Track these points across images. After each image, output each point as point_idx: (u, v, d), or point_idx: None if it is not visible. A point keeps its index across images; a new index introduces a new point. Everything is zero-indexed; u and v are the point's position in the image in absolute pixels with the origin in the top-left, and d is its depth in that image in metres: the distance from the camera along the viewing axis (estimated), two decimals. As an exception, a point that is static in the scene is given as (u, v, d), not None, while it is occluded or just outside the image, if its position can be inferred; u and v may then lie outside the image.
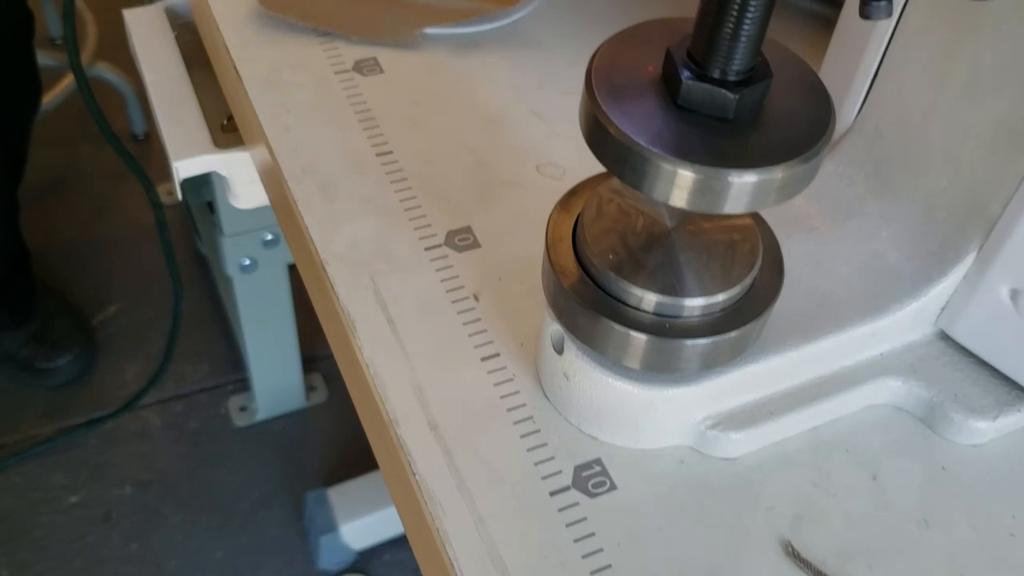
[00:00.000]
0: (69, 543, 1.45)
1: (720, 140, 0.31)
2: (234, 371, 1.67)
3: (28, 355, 1.54)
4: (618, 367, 0.38)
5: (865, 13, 0.29)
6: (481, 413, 0.40)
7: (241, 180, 0.59)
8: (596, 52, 0.33)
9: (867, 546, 0.38)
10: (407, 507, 0.40)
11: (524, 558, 0.36)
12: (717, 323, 0.36)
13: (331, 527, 1.36)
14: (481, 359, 0.42)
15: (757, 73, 0.31)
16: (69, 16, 0.94)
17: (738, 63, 0.30)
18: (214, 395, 1.64)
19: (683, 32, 0.32)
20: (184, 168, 0.56)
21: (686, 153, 0.30)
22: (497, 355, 0.42)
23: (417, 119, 0.52)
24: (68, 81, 1.80)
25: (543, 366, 0.41)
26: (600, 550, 0.37)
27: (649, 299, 0.35)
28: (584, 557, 0.37)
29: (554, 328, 0.39)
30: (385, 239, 0.46)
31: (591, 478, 0.39)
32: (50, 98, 1.76)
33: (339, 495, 1.38)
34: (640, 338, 0.35)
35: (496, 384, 0.41)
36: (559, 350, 0.39)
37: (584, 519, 0.38)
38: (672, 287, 0.35)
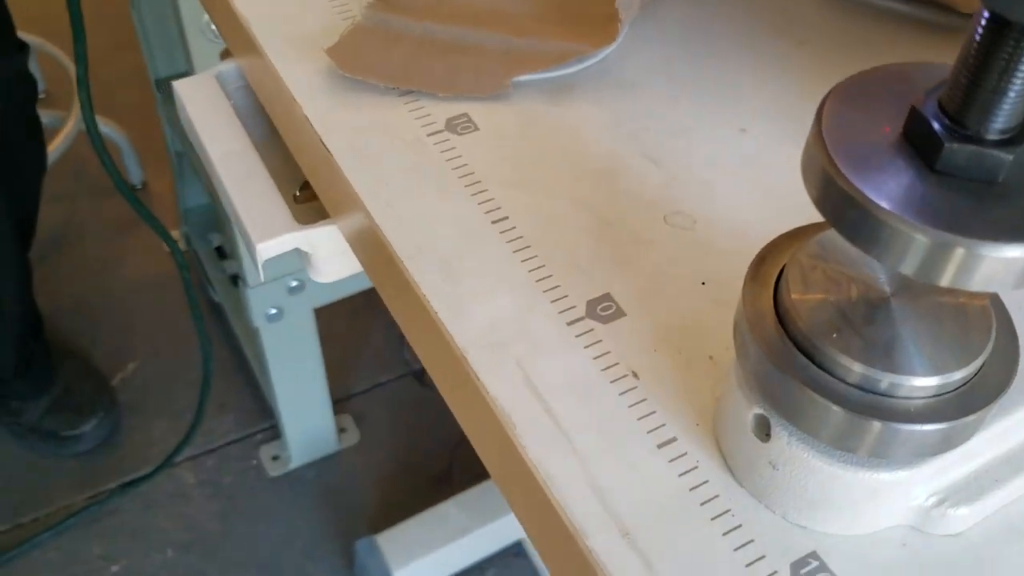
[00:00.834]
0: (118, 618, 1.41)
1: (988, 209, 0.27)
2: (261, 420, 1.62)
3: (52, 424, 1.49)
4: (838, 453, 0.34)
5: None
6: (672, 510, 0.36)
7: (325, 255, 0.54)
8: (821, 114, 0.29)
9: (1126, 622, 0.34)
10: (606, 626, 0.36)
11: None
12: (956, 403, 0.32)
13: (385, 575, 1.32)
14: (657, 446, 0.38)
15: (1022, 128, 0.27)
16: (83, 80, 0.90)
17: (1007, 119, 0.26)
18: (244, 446, 1.60)
19: (913, 82, 0.29)
20: (267, 249, 0.52)
21: (954, 226, 0.26)
22: (674, 439, 0.38)
23: (524, 177, 0.48)
24: (63, 136, 1.75)
25: (738, 453, 0.37)
26: (844, 662, 0.33)
27: (879, 380, 0.31)
28: (826, 671, 0.33)
29: (756, 414, 0.35)
30: (522, 317, 0.42)
31: (812, 574, 0.35)
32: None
33: (389, 541, 1.34)
34: (871, 424, 0.31)
35: (681, 475, 0.37)
36: (763, 438, 0.35)
37: (818, 626, 0.34)
38: (904, 364, 0.31)
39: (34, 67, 1.87)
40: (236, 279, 1.47)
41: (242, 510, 1.50)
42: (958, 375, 0.31)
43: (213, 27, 1.11)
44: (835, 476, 0.34)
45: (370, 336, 1.71)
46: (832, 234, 0.34)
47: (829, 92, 0.29)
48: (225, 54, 0.66)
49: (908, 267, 0.27)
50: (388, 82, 0.51)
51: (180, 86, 0.58)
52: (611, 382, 0.40)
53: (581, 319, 0.42)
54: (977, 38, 0.26)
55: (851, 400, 0.32)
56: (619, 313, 0.43)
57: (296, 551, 1.46)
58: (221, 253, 1.64)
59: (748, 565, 0.35)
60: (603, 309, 0.43)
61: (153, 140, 1.73)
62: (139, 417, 1.59)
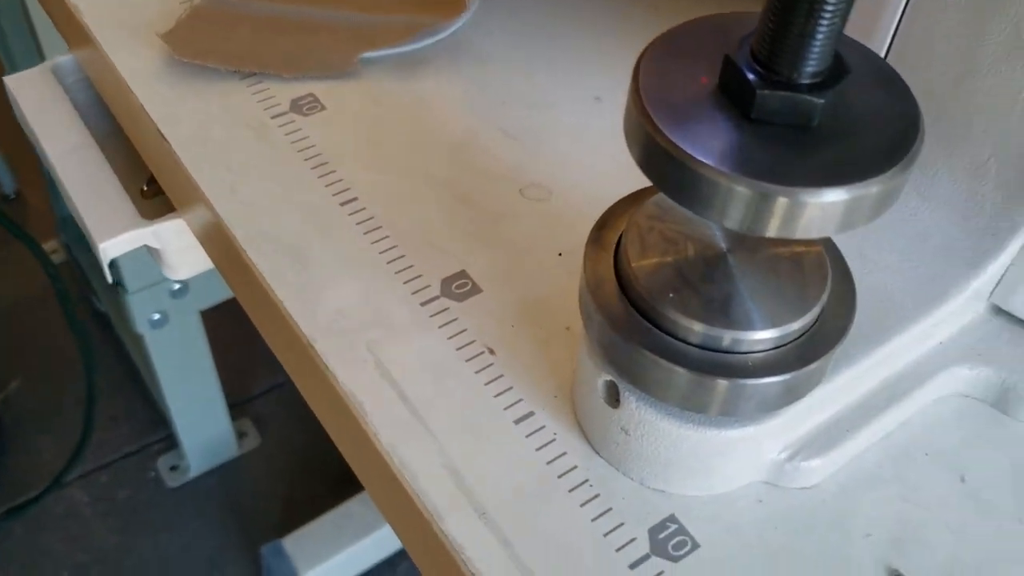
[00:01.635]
0: (12, 648, 1.35)
1: (804, 154, 0.26)
2: (157, 430, 1.57)
3: (-71, 452, 1.42)
4: (686, 414, 0.33)
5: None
6: (530, 486, 0.36)
7: (176, 250, 0.52)
8: (637, 69, 0.28)
9: (979, 559, 0.35)
10: (468, 610, 0.35)
11: (624, 650, 0.32)
12: (796, 354, 0.32)
13: (294, 578, 1.29)
14: (514, 422, 0.37)
15: (835, 70, 0.27)
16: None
17: (816, 62, 0.26)
18: (140, 459, 1.55)
19: (729, 33, 0.28)
20: (112, 248, 0.50)
21: (775, 174, 0.26)
22: (531, 414, 0.37)
23: (375, 157, 0.47)
24: (-79, 150, 1.66)
25: (591, 421, 0.36)
26: (704, 624, 0.32)
27: (717, 336, 0.31)
28: (687, 635, 0.32)
29: (605, 380, 0.34)
30: (374, 301, 0.41)
31: (669, 539, 0.34)
32: (-96, 171, 1.63)
33: (296, 544, 1.31)
34: (716, 383, 0.31)
35: (538, 449, 0.37)
36: (612, 404, 0.34)
37: (676, 589, 0.33)
38: (743, 320, 0.31)
39: None
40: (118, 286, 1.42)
41: (141, 525, 1.45)
42: (796, 326, 0.31)
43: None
44: (685, 437, 0.33)
45: (265, 337, 1.67)
46: None
47: (646, 47, 0.29)
48: (65, 48, 0.63)
49: (730, 220, 0.26)
50: (228, 65, 0.49)
51: (11, 82, 0.55)
52: (467, 360, 0.39)
53: (436, 298, 0.41)
54: (782, -18, 0.26)
55: (692, 360, 0.31)
56: (475, 290, 0.42)
57: (201, 561, 1.42)
58: (103, 261, 1.58)
59: (607, 534, 0.34)
60: (458, 287, 0.42)
61: (23, 146, 1.66)
62: (24, 438, 1.53)
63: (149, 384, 1.51)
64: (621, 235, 0.33)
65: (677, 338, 0.32)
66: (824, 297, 0.32)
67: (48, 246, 1.61)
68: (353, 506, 1.34)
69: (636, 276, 0.32)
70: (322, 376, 0.39)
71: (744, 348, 0.31)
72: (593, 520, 0.35)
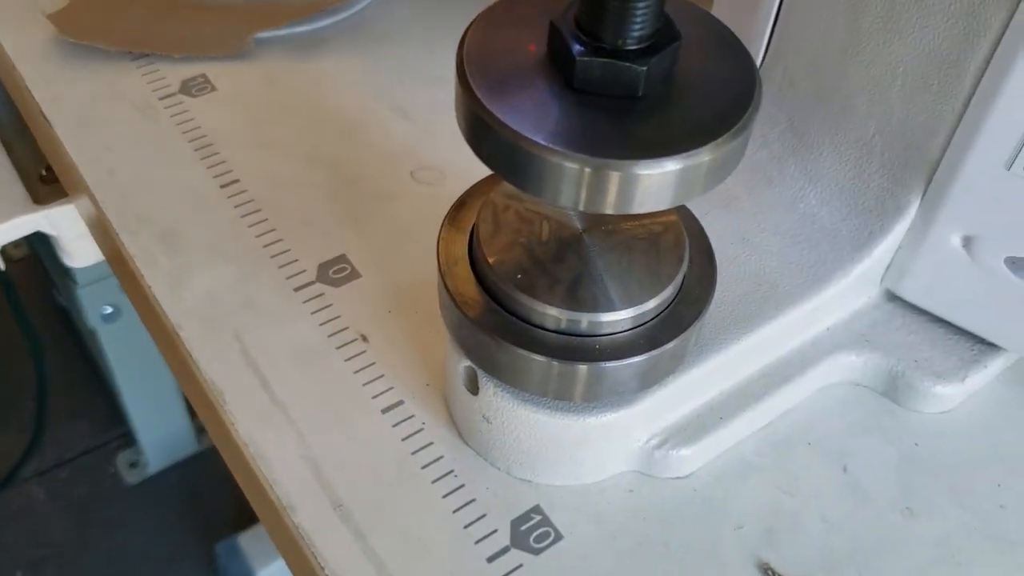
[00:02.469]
0: (-38, 646, 1.34)
1: (632, 124, 0.25)
2: (117, 426, 1.55)
3: None
4: (545, 400, 0.32)
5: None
6: (392, 476, 0.34)
7: (73, 236, 0.51)
8: (465, 36, 0.26)
9: (852, 549, 0.33)
10: (322, 605, 0.33)
11: (472, 647, 0.30)
12: (652, 334, 0.30)
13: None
14: (382, 411, 0.36)
15: (663, 36, 0.25)
16: None
17: (641, 27, 0.25)
18: (99, 455, 1.53)
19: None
20: (2, 234, 0.48)
21: (595, 147, 0.24)
22: (400, 403, 0.36)
23: (262, 138, 0.45)
24: None
25: (458, 409, 0.35)
26: (559, 619, 0.31)
27: (570, 319, 0.30)
28: (541, 630, 0.31)
29: (464, 366, 0.33)
30: (246, 286, 0.39)
31: (532, 531, 0.33)
32: None
33: (251, 541, 1.30)
34: (567, 367, 0.30)
35: (404, 439, 0.35)
36: (473, 390, 0.33)
37: (534, 584, 0.32)
38: (595, 301, 0.30)
39: None
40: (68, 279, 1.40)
41: (98, 522, 1.43)
42: (649, 306, 0.30)
43: None
44: (544, 424, 0.32)
45: (229, 331, 1.65)
46: None
47: (475, 18, 0.27)
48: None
49: (553, 197, 0.25)
50: (117, 46, 0.47)
51: (-95, 64, 0.53)
52: (337, 348, 0.38)
53: (310, 284, 0.40)
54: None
55: (544, 345, 0.30)
56: (354, 275, 0.40)
57: (159, 559, 1.40)
58: (63, 255, 1.56)
59: (467, 526, 0.33)
60: (336, 272, 0.40)
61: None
62: (-18, 433, 1.51)
63: (107, 379, 1.49)
64: (477, 215, 0.32)
65: (529, 322, 0.30)
66: (679, 277, 0.31)
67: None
68: (311, 502, 1.33)
69: (487, 257, 0.30)
70: (185, 362, 0.37)
71: (597, 330, 0.30)
72: (455, 511, 0.33)
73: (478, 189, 0.33)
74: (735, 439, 0.35)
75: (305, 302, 0.39)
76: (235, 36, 0.48)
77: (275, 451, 0.34)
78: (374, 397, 0.36)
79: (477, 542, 0.33)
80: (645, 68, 0.25)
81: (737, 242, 0.37)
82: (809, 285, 0.36)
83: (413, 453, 0.35)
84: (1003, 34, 0.31)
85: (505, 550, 0.33)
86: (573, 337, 0.30)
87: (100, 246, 0.45)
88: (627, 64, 0.25)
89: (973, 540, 0.34)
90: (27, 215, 0.49)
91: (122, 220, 0.41)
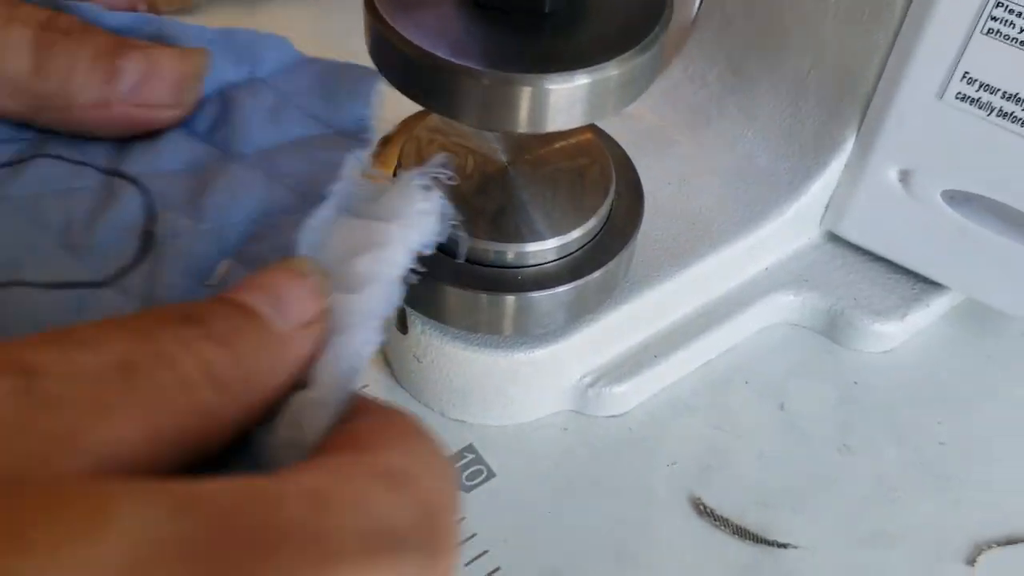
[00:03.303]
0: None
1: (539, 40, 0.25)
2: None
3: None
4: (473, 336, 0.32)
5: None
6: (326, 417, 0.34)
7: None
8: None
9: (787, 486, 0.33)
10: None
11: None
12: (577, 264, 0.30)
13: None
14: (318, 353, 0.36)
15: (569, -49, 0.25)
16: None
17: (544, -59, 0.24)
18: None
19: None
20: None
21: (499, 60, 0.24)
22: (336, 345, 0.36)
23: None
24: None
25: (391, 350, 0.35)
26: (485, 552, 0.31)
27: (493, 251, 0.29)
28: (468, 564, 0.31)
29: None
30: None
31: (464, 469, 0.33)
32: None
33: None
34: (492, 299, 0.29)
35: (339, 380, 0.35)
36: (402, 330, 0.33)
37: (462, 519, 0.32)
38: (519, 232, 0.29)
39: None
40: None
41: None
42: (575, 235, 0.30)
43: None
44: (473, 361, 0.32)
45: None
46: None
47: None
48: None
49: (460, 113, 0.25)
50: (61, -1, 0.47)
51: None
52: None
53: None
54: None
55: (470, 277, 0.30)
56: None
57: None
58: None
59: (399, 465, 0.33)
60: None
61: None
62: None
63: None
64: (400, 150, 0.32)
65: (454, 256, 0.30)
66: (605, 209, 0.30)
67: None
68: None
69: None
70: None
71: (523, 262, 0.30)
72: (387, 451, 0.33)
73: (405, 126, 0.33)
74: (671, 378, 0.35)
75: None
76: (183, -11, 0.48)
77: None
78: (311, 340, 0.36)
79: (408, 480, 0.33)
80: (544, -18, 0.24)
81: (675, 183, 0.37)
82: (745, 224, 0.35)
83: (347, 394, 0.35)
84: (935, -37, 0.30)
85: (436, 488, 0.32)
86: (499, 269, 0.30)
87: None
88: (532, -21, 0.24)
89: (910, 476, 0.34)
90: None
91: None
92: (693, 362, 0.36)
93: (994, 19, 0.29)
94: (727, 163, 0.37)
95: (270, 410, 0.18)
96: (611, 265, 0.30)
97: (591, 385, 0.34)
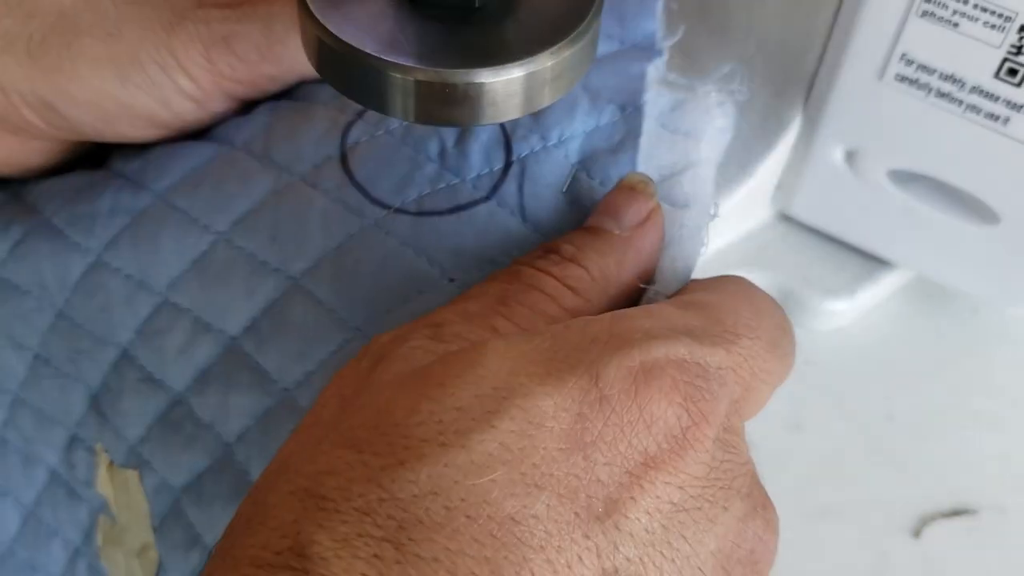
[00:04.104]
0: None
1: (470, 36, 0.25)
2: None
3: None
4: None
5: None
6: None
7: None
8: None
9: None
10: None
11: None
12: None
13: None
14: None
15: (501, -57, 0.25)
16: None
17: (475, -67, 0.24)
18: None
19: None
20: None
21: (430, 57, 0.24)
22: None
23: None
24: None
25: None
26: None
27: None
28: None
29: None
30: None
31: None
32: None
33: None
34: None
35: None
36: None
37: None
38: None
39: None
40: None
41: None
42: None
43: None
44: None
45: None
46: None
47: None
48: None
49: (388, 108, 0.25)
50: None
51: None
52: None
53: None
54: None
55: None
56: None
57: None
58: None
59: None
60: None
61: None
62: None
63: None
64: None
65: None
66: None
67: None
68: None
69: None
70: None
71: None
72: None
73: None
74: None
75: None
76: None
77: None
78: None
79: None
80: (480, -24, 0.24)
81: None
82: (695, 205, 0.36)
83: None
84: (871, -59, 0.31)
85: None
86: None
87: None
88: (461, -28, 0.24)
89: (858, 451, 0.35)
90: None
91: None
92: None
93: (928, 1, 0.29)
94: (677, 145, 0.37)
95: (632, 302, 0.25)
96: None
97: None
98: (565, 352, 0.20)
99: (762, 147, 0.36)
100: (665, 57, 0.30)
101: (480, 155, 0.28)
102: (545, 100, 0.25)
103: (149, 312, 0.29)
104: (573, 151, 0.28)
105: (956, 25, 0.29)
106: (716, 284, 0.25)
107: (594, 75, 0.29)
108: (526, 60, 0.24)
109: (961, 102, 0.31)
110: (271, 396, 0.28)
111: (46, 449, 0.32)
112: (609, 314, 0.22)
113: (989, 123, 0.31)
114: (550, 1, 0.26)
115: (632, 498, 0.19)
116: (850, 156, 0.35)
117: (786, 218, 0.38)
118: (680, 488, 0.20)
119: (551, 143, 0.28)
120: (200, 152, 0.30)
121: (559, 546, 0.18)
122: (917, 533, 0.33)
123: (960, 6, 0.29)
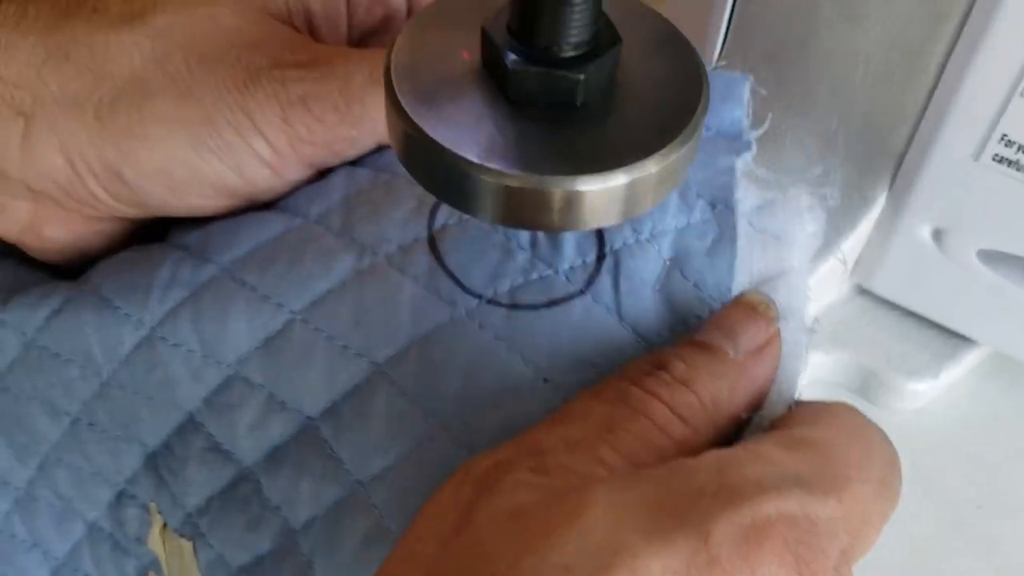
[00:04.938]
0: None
1: (569, 136, 0.24)
2: None
3: None
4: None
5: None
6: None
7: None
8: (393, 43, 0.25)
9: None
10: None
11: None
12: None
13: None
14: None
15: (602, 40, 0.24)
16: None
17: (577, 32, 0.23)
18: None
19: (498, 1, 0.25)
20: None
21: (525, 161, 0.23)
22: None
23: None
24: None
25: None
26: None
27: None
28: None
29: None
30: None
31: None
32: None
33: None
34: None
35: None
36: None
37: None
38: None
39: None
40: None
41: None
42: None
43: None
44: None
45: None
46: None
47: (407, 21, 0.26)
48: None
49: (485, 214, 0.23)
50: None
51: None
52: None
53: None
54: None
55: None
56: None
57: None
58: None
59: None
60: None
61: None
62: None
63: None
64: None
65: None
66: None
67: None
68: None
69: None
70: None
71: None
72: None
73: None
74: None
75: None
76: None
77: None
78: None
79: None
80: (582, 76, 0.23)
81: (700, 241, 0.36)
82: (774, 284, 0.34)
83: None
84: (967, 17, 0.29)
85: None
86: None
87: None
88: (563, 72, 0.23)
89: (951, 542, 0.33)
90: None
91: None
92: (724, 428, 0.35)
93: (1036, 84, 0.28)
94: (752, 220, 0.36)
95: (736, 429, 0.23)
96: None
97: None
98: (672, 504, 0.19)
99: (844, 224, 0.35)
100: (753, 151, 0.28)
101: (572, 245, 0.27)
102: (647, 206, 0.24)
103: (219, 383, 0.28)
104: (665, 247, 0.26)
105: (1066, 110, 0.28)
106: (824, 415, 0.23)
107: None
108: (630, 165, 0.23)
109: (1064, 186, 0.30)
110: (343, 487, 0.27)
111: (85, 506, 0.31)
112: (715, 458, 0.20)
113: (1094, 208, 0.29)
114: (655, 95, 0.24)
115: None
116: (937, 234, 0.33)
117: (862, 291, 0.37)
118: None
119: (643, 236, 0.27)
120: (269, 224, 0.29)
121: None
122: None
123: (1070, 91, 0.28)
